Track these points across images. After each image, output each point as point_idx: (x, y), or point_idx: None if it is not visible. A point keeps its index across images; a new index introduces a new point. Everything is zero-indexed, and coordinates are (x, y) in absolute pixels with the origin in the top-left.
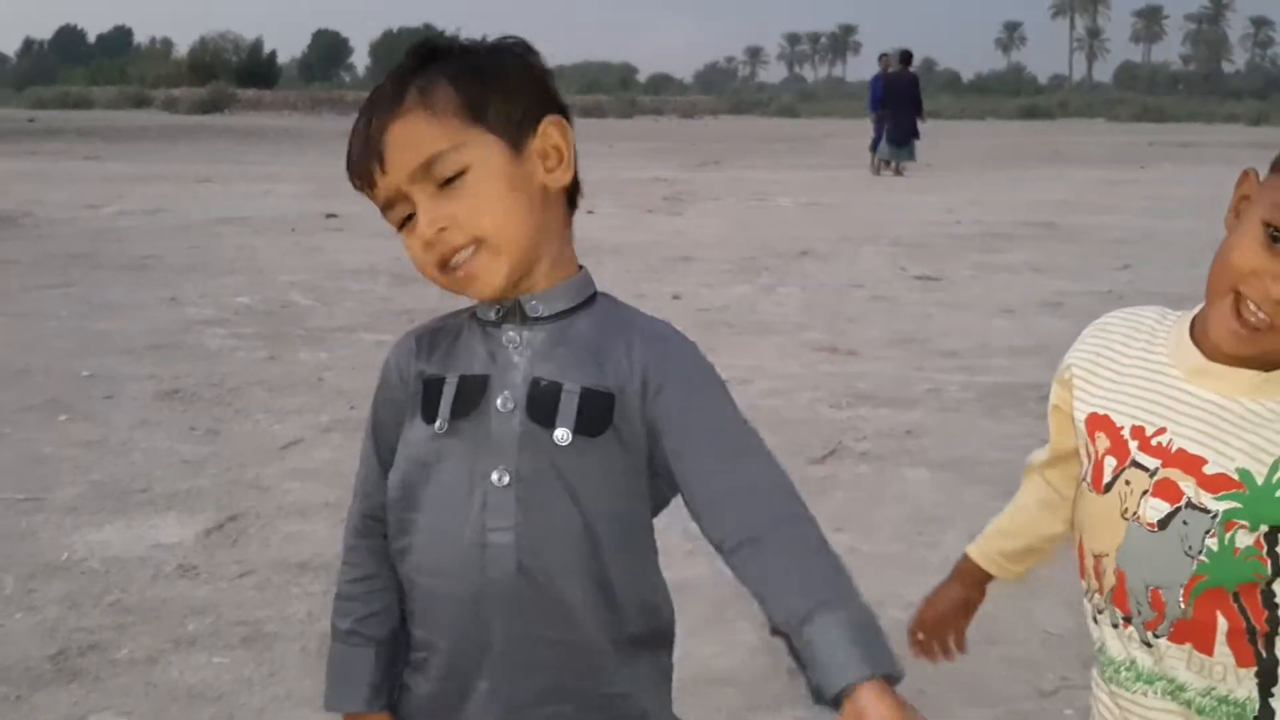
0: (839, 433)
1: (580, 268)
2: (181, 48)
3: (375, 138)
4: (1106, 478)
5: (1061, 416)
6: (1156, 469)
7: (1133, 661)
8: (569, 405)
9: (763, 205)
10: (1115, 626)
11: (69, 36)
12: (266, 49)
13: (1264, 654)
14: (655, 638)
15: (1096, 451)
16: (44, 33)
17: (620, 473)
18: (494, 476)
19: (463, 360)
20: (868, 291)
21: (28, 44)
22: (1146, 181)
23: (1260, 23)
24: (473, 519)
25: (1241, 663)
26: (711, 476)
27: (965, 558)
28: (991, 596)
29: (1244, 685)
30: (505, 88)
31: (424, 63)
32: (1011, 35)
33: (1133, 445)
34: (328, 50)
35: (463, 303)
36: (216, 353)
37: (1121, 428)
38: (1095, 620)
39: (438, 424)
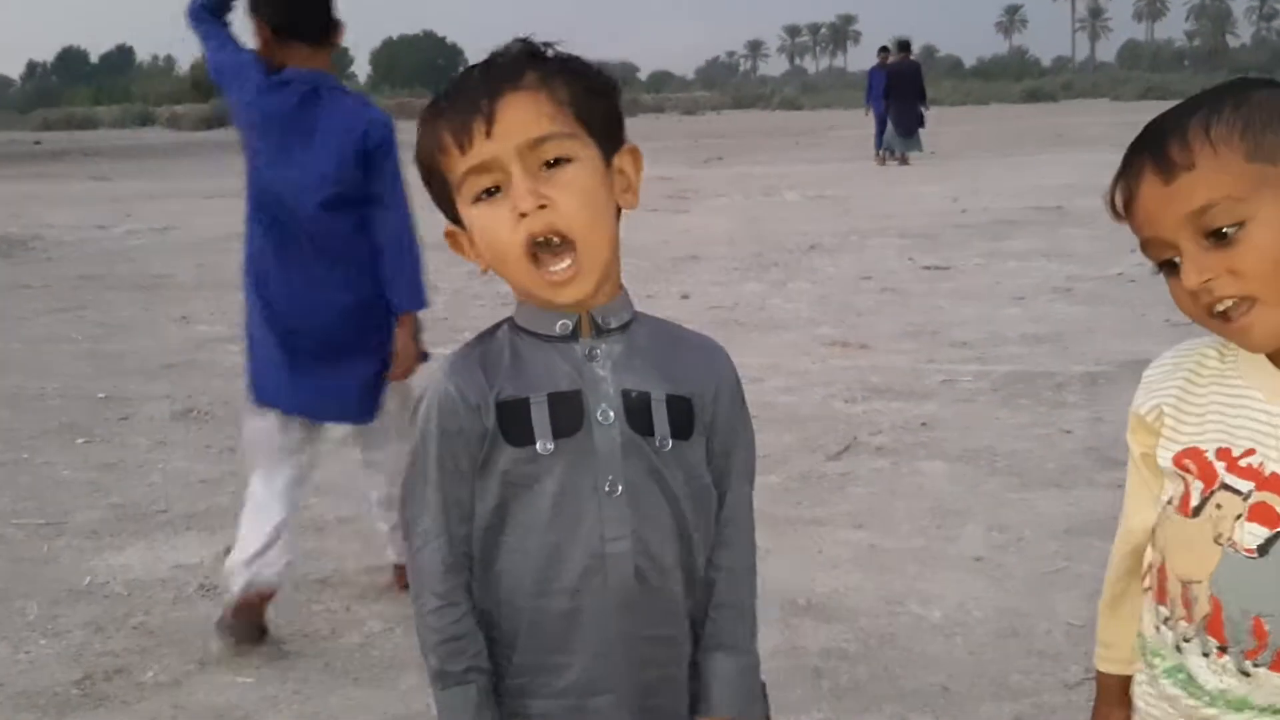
0: (854, 428)
1: (622, 286)
2: (183, 65)
3: (487, 101)
4: (1194, 501)
5: (1149, 466)
6: (1250, 492)
7: (1223, 691)
8: (660, 413)
9: (769, 200)
10: (1206, 655)
11: (72, 57)
12: None
13: None
14: None
15: (1186, 480)
16: (46, 55)
17: (698, 468)
18: (606, 487)
19: (542, 378)
20: (877, 284)
21: (31, 66)
22: None
23: None
24: (586, 531)
25: None
26: (723, 506)
27: (1100, 674)
28: (1013, 590)
29: None
30: (608, 104)
31: (533, 55)
32: (1012, 18)
33: (1219, 466)
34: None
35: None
36: (230, 370)
37: (1205, 451)
38: (1179, 649)
39: (539, 445)
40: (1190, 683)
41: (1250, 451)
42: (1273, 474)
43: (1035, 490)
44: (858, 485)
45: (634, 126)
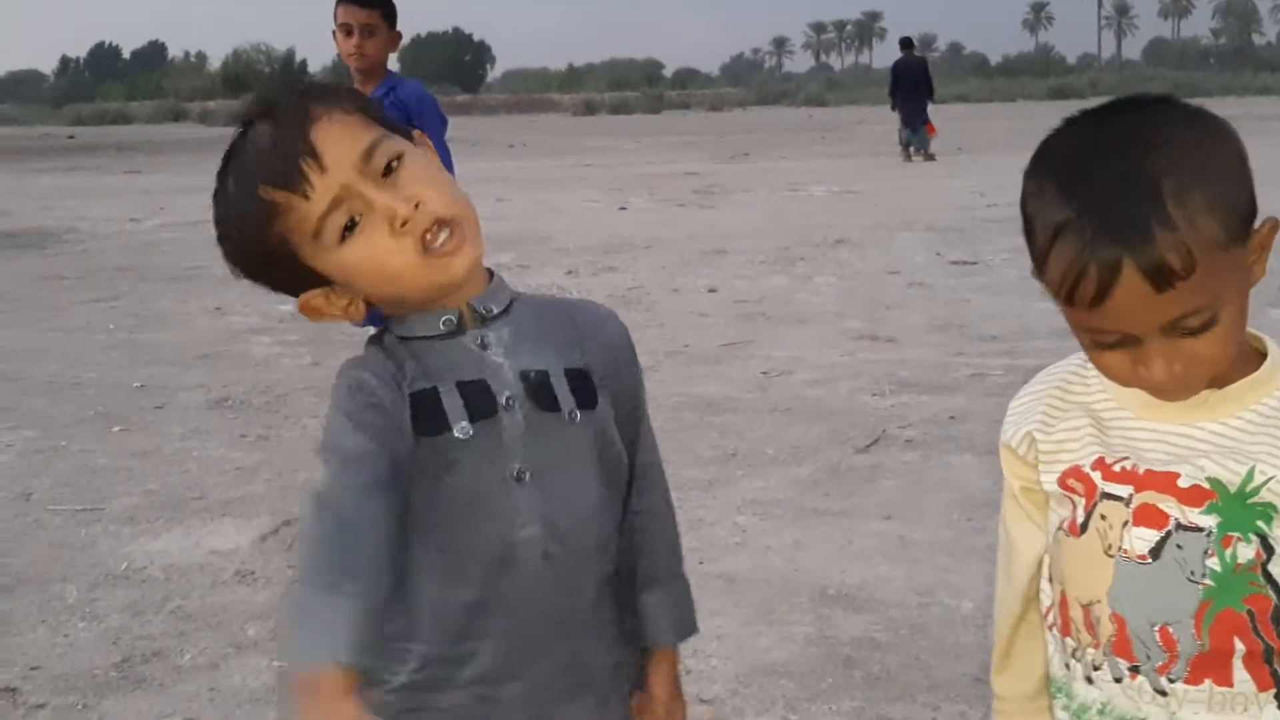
0: (883, 421)
1: (491, 270)
2: (215, 60)
3: (299, 143)
4: (1080, 518)
5: (1030, 499)
6: (1130, 496)
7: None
8: (562, 388)
9: (795, 195)
10: (1119, 681)
11: (104, 53)
12: (298, 58)
13: None
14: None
15: (1073, 500)
16: (79, 50)
17: (611, 435)
18: (514, 475)
19: (446, 370)
20: (904, 278)
21: (64, 62)
22: None
23: None
24: (497, 521)
25: (1261, 687)
26: (637, 461)
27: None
28: None
29: (1267, 712)
30: (376, 107)
31: (302, 93)
32: (1038, 16)
33: (1095, 476)
34: None
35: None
36: (263, 360)
37: (1084, 465)
38: (1090, 680)
39: (456, 430)
40: (1106, 713)
41: (1124, 458)
42: (1148, 471)
43: None
44: (887, 478)
45: (660, 122)
